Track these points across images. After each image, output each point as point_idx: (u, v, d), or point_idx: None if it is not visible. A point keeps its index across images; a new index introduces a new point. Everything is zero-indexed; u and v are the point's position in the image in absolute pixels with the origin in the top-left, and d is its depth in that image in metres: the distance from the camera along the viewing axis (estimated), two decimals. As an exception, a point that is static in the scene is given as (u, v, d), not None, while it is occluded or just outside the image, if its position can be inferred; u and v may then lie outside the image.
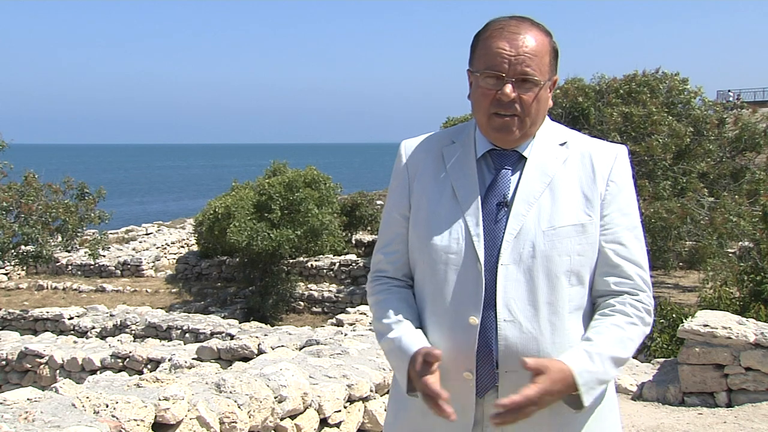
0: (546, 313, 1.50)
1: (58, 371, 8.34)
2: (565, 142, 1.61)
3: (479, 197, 1.56)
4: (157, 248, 23.88)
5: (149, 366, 7.84)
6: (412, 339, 1.54)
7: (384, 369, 4.41)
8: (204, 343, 7.95)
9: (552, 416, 1.51)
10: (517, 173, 1.58)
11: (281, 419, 3.51)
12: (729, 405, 4.84)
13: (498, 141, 1.58)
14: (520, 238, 1.51)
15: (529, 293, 1.50)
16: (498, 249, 1.52)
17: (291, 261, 19.10)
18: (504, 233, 1.53)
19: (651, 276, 1.62)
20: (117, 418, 2.65)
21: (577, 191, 1.56)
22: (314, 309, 18.08)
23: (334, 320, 13.40)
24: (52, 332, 11.73)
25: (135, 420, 2.70)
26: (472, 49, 1.60)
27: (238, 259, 19.22)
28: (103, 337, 11.45)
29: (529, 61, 1.51)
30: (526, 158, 1.58)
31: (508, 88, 1.50)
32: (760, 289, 8.67)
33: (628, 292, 1.54)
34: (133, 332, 11.93)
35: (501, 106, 1.52)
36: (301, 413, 3.66)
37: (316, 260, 19.62)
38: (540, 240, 1.51)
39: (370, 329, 7.16)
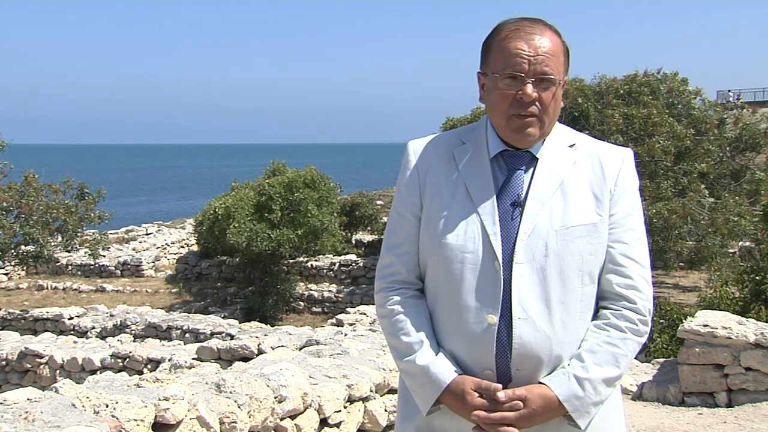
0: (558, 312, 1.51)
1: (58, 371, 8.34)
2: (573, 144, 1.63)
3: (494, 197, 1.57)
4: (157, 248, 23.88)
5: (149, 366, 7.84)
6: (442, 367, 1.55)
7: (384, 369, 4.41)
8: (204, 343, 7.95)
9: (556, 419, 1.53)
10: (529, 173, 1.59)
11: (281, 419, 3.51)
12: (729, 405, 4.83)
13: (516, 141, 1.58)
14: (533, 237, 1.53)
15: (542, 292, 1.51)
16: (512, 248, 1.53)
17: (291, 261, 19.10)
18: (518, 232, 1.53)
19: (651, 276, 1.63)
20: (117, 418, 2.65)
21: (587, 192, 1.57)
22: (314, 309, 18.08)
23: (334, 320, 13.38)
24: (52, 332, 11.73)
25: (135, 420, 2.70)
26: (486, 51, 1.60)
27: (238, 260, 19.22)
28: (103, 337, 11.45)
29: (548, 60, 1.52)
30: (537, 159, 1.59)
31: (530, 88, 1.51)
32: (760, 289, 8.66)
33: (627, 298, 1.55)
34: (133, 332, 11.92)
35: (521, 106, 1.53)
36: (301, 413, 3.66)
37: (316, 260, 19.62)
38: (553, 239, 1.52)
39: (370, 329, 7.16)
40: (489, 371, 1.52)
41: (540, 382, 1.50)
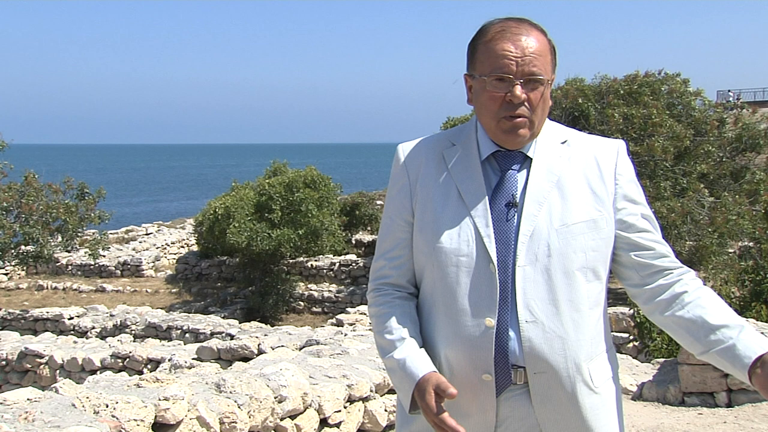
0: (567, 311, 1.51)
1: (58, 371, 8.34)
2: (566, 141, 1.62)
3: (487, 198, 1.56)
4: (157, 248, 23.88)
5: (149, 366, 7.84)
6: (417, 362, 1.53)
7: (384, 369, 4.41)
8: (204, 343, 7.96)
9: (576, 413, 1.52)
10: (523, 173, 1.58)
11: (281, 419, 3.51)
12: (729, 405, 4.83)
13: (507, 143, 1.57)
14: (534, 239, 1.52)
15: (549, 292, 1.50)
16: (512, 250, 1.52)
17: (291, 261, 19.11)
18: (518, 234, 1.52)
19: None
20: (117, 418, 2.65)
21: (585, 188, 1.57)
22: (314, 309, 18.08)
23: (334, 320, 13.41)
24: (52, 332, 11.74)
25: (135, 420, 2.70)
26: (471, 53, 1.59)
27: (238, 260, 19.23)
28: (103, 337, 11.46)
29: (535, 60, 1.51)
30: (531, 158, 1.58)
31: (518, 90, 1.50)
32: (760, 289, 8.66)
33: (676, 268, 1.58)
34: (133, 332, 11.93)
35: (511, 108, 1.52)
36: (301, 413, 3.66)
37: (316, 260, 19.63)
38: (554, 238, 1.51)
39: (370, 329, 7.16)
40: (488, 375, 1.51)
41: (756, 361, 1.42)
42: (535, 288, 1.50)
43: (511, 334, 1.50)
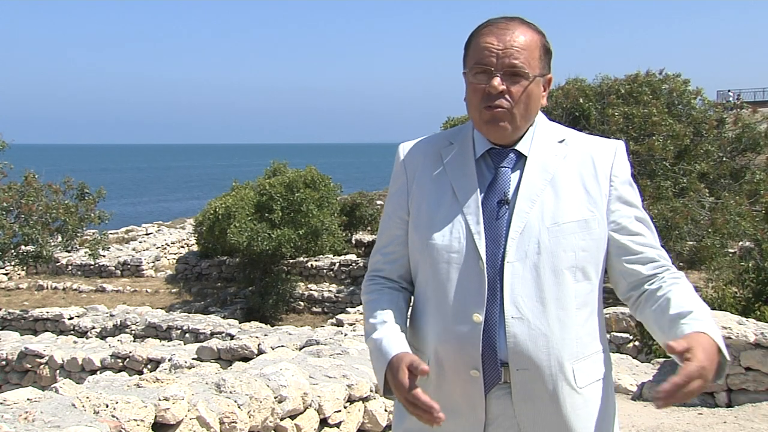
0: (554, 309, 1.51)
1: (58, 371, 8.35)
2: (563, 140, 1.63)
3: (479, 196, 1.57)
4: (157, 248, 23.89)
5: (149, 366, 7.84)
6: (392, 342, 1.55)
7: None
8: (204, 343, 7.96)
9: (555, 412, 1.52)
10: (518, 171, 1.59)
11: (281, 419, 3.51)
12: (729, 405, 4.83)
13: (490, 135, 1.59)
14: (524, 236, 1.52)
15: (536, 290, 1.51)
16: (502, 247, 1.53)
17: (291, 261, 19.11)
18: (508, 231, 1.53)
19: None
20: (117, 418, 2.65)
21: (579, 187, 1.57)
22: (314, 309, 18.08)
23: (334, 320, 13.42)
24: (52, 332, 11.74)
25: (135, 420, 2.70)
26: (465, 50, 1.62)
27: (238, 260, 19.24)
28: (103, 337, 11.46)
29: (517, 54, 1.52)
30: (525, 156, 1.59)
31: (496, 81, 1.51)
32: (763, 290, 8.65)
33: (659, 272, 1.57)
34: (133, 332, 11.93)
35: (490, 99, 1.53)
36: (301, 413, 3.66)
37: (316, 260, 19.63)
38: (545, 236, 1.52)
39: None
40: (475, 371, 1.51)
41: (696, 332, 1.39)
42: (522, 285, 1.51)
43: (499, 330, 1.51)
